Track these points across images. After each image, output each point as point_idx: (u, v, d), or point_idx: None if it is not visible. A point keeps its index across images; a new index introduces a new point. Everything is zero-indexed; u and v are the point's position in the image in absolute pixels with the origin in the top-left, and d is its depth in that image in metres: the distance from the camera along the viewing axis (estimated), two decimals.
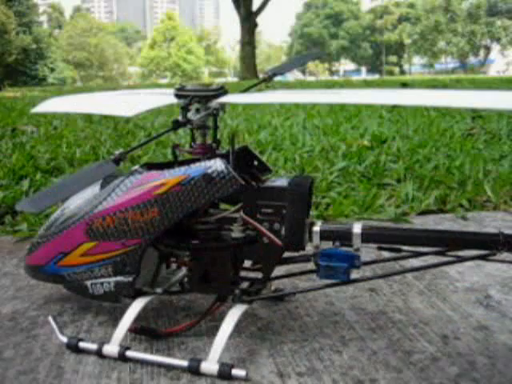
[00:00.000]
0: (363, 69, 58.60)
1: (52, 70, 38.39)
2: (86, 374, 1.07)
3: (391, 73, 52.35)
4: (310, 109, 5.49)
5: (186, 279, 1.22)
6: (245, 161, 1.19)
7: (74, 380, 1.06)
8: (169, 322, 1.29)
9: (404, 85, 8.82)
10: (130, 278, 1.16)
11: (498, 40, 50.18)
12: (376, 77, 40.34)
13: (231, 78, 48.25)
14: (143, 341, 1.20)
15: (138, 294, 1.19)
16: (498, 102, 0.86)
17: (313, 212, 2.12)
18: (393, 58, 54.70)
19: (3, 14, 32.70)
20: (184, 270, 1.25)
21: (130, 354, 1.11)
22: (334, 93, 1.07)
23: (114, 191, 1.14)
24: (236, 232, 1.13)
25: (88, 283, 1.21)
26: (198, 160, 1.12)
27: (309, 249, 1.11)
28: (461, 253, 1.12)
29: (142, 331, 1.21)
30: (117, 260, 1.16)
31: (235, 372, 1.04)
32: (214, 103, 1.12)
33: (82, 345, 1.15)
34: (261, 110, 5.66)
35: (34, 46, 36.36)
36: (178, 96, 1.14)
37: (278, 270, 1.34)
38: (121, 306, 1.28)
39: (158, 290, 1.21)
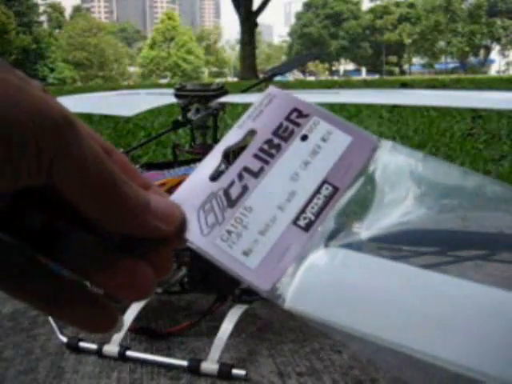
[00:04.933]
0: (363, 69, 58.65)
1: (52, 70, 38.43)
2: (86, 374, 1.07)
3: (391, 73, 52.39)
4: None
5: (186, 279, 1.22)
6: None
7: (73, 380, 1.06)
8: (169, 322, 1.29)
9: (404, 85, 8.83)
10: None
11: (498, 40, 50.21)
12: (376, 77, 40.37)
13: (231, 78, 48.25)
14: (143, 341, 1.20)
15: None
16: (498, 102, 0.86)
17: None
18: (393, 58, 54.74)
19: (3, 14, 32.71)
20: (184, 270, 1.25)
21: (130, 353, 1.11)
22: (334, 93, 1.07)
23: None
24: None
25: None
26: (198, 160, 1.12)
27: None
28: (461, 253, 1.12)
29: (142, 331, 1.21)
30: None
31: (235, 372, 1.04)
32: (214, 103, 1.12)
33: (82, 345, 1.15)
34: None
35: (34, 46, 36.39)
36: (177, 96, 1.14)
37: None
38: (121, 306, 1.28)
39: (158, 290, 1.21)
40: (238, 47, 24.16)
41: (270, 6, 18.10)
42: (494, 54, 55.25)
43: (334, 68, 60.61)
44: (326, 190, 0.26)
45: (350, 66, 63.13)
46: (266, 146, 0.27)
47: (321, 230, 0.26)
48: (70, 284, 0.23)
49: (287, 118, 0.28)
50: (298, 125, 0.27)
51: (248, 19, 17.85)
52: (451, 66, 54.12)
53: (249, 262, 0.25)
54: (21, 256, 0.22)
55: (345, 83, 10.91)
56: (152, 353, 1.15)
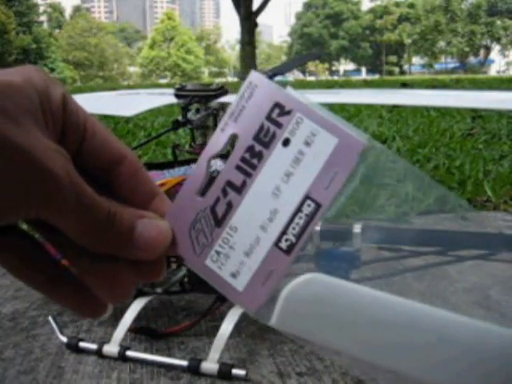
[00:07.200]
0: (363, 69, 58.67)
1: (52, 70, 38.41)
2: (86, 374, 1.07)
3: (391, 73, 52.39)
4: None
5: (186, 279, 1.22)
6: None
7: (73, 380, 1.06)
8: (169, 322, 1.29)
9: (404, 85, 8.83)
10: None
11: (498, 40, 50.22)
12: (376, 77, 40.36)
13: (231, 78, 48.23)
14: (143, 341, 1.20)
15: (138, 293, 1.19)
16: (498, 102, 0.86)
17: None
18: (393, 58, 54.73)
19: (3, 14, 32.71)
20: (184, 270, 1.25)
21: (130, 353, 1.11)
22: (334, 93, 1.07)
23: None
24: None
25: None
26: None
27: (309, 249, 1.11)
28: (461, 253, 1.12)
29: (142, 331, 1.21)
30: None
31: (235, 372, 1.04)
32: (214, 103, 1.12)
33: (82, 345, 1.15)
34: None
35: (34, 46, 36.39)
36: (177, 96, 1.14)
37: None
38: (121, 306, 1.28)
39: (158, 290, 1.21)
40: (238, 47, 24.16)
41: (269, 6, 18.09)
42: (494, 54, 55.27)
43: (334, 68, 60.60)
44: (308, 208, 0.26)
45: (350, 66, 63.14)
46: (247, 155, 0.27)
47: (302, 252, 0.27)
48: (65, 271, 0.26)
49: (268, 117, 0.26)
50: (279, 125, 0.26)
51: (248, 19, 17.84)
52: (451, 65, 54.13)
53: (236, 283, 0.27)
54: (28, 241, 0.25)
55: (345, 83, 10.91)
56: (152, 353, 1.15)
